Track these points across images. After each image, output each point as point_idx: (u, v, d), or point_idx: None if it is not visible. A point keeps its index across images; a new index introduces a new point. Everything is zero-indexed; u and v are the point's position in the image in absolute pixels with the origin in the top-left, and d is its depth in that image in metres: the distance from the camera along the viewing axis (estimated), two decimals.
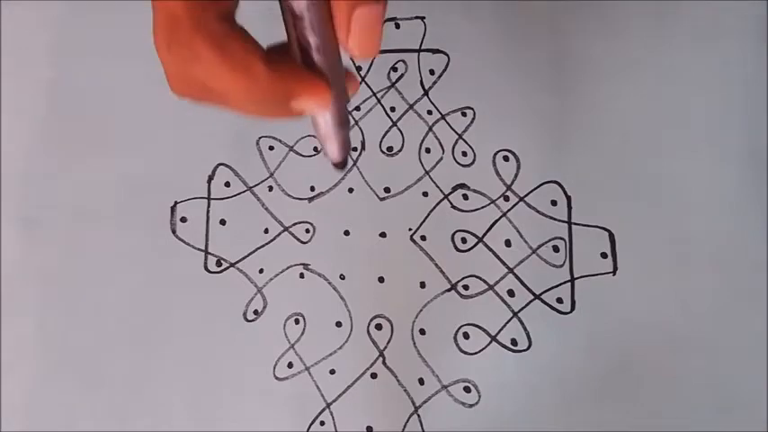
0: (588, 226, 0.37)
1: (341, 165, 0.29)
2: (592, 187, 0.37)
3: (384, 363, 0.37)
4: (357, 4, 0.23)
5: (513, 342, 0.36)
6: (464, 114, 0.38)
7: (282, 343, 0.37)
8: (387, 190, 0.38)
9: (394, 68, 0.39)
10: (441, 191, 0.38)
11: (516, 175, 0.38)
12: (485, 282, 0.37)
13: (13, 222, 0.39)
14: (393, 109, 0.39)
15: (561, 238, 0.37)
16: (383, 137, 0.39)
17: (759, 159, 0.38)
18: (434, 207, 0.38)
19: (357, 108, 0.39)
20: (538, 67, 0.39)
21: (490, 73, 0.39)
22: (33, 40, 0.40)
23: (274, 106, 0.26)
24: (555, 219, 0.37)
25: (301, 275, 0.38)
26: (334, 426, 0.36)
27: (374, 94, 0.39)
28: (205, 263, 0.38)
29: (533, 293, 0.37)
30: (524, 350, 0.36)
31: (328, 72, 0.26)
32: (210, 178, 0.38)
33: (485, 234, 0.38)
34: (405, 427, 0.36)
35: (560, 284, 0.37)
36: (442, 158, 0.38)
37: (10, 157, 0.39)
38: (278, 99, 0.26)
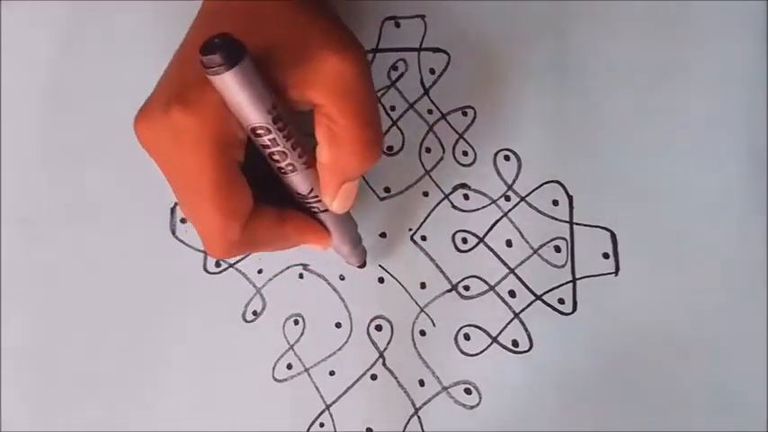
0: (590, 226, 0.37)
1: (362, 266, 0.36)
2: (593, 187, 0.37)
3: (384, 364, 0.36)
4: (346, 179, 0.29)
5: (515, 343, 0.36)
6: (465, 114, 0.38)
7: (282, 344, 0.37)
8: (387, 190, 0.38)
9: (394, 67, 0.39)
10: (441, 191, 0.38)
11: (517, 175, 0.38)
12: (486, 282, 0.37)
13: (13, 222, 0.39)
14: (393, 108, 0.39)
15: (563, 239, 0.37)
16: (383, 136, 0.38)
17: (759, 159, 0.38)
18: (435, 207, 0.38)
19: None
20: (538, 66, 0.38)
21: (491, 72, 0.39)
22: (33, 40, 0.40)
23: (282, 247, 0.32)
24: (556, 219, 0.37)
25: (300, 276, 0.37)
26: (334, 427, 0.36)
27: None
28: (204, 263, 0.38)
29: (535, 294, 0.37)
30: (526, 351, 0.36)
31: (332, 222, 0.32)
32: None
33: (485, 234, 0.37)
34: (405, 428, 0.36)
35: (562, 285, 0.37)
36: (442, 158, 0.38)
37: (10, 157, 0.39)
38: (285, 246, 0.32)
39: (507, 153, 0.38)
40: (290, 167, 0.29)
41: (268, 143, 0.28)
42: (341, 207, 0.31)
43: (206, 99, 0.27)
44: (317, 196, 0.30)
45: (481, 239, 0.37)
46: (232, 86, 0.26)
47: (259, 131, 0.27)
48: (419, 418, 0.36)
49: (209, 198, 0.28)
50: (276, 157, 0.28)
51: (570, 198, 0.37)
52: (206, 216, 0.28)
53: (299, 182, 0.30)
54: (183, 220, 0.38)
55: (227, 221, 0.28)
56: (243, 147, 0.28)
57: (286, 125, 0.27)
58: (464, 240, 0.37)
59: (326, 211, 0.31)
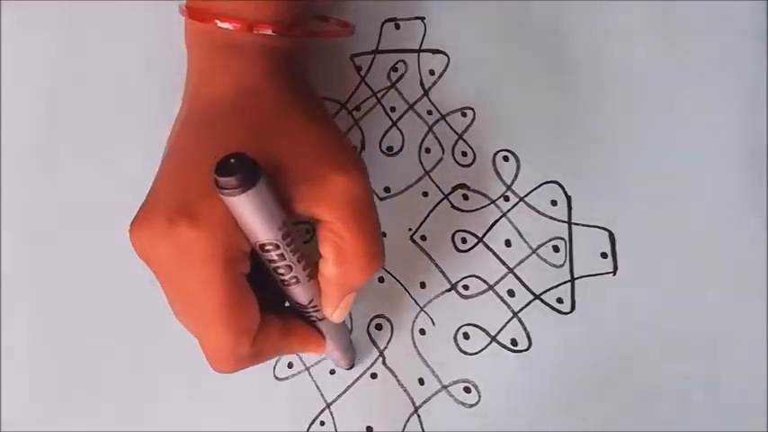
0: (588, 226, 0.37)
1: (350, 368, 0.37)
2: (592, 187, 0.38)
3: (384, 363, 0.37)
4: (349, 291, 0.30)
5: (513, 342, 0.36)
6: (464, 114, 0.38)
7: None
8: (387, 190, 0.38)
9: (394, 69, 0.39)
10: (441, 191, 0.38)
11: (516, 175, 0.38)
12: (485, 282, 0.37)
13: (13, 223, 0.39)
14: (393, 109, 0.39)
15: (561, 238, 0.37)
16: (383, 137, 0.39)
17: (759, 159, 0.38)
18: (434, 207, 0.38)
19: (357, 108, 0.39)
20: (538, 67, 0.39)
21: (490, 73, 0.39)
22: (33, 40, 0.40)
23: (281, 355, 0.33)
24: (555, 219, 0.37)
25: None
26: (334, 426, 0.36)
27: (374, 94, 0.39)
28: None
29: (533, 293, 0.37)
30: (524, 350, 0.36)
31: (327, 330, 0.32)
32: None
33: (485, 234, 0.38)
34: (405, 427, 0.36)
35: (560, 284, 0.37)
36: (442, 158, 0.38)
37: (10, 157, 0.39)
38: (285, 354, 0.33)
39: (506, 154, 0.38)
40: (293, 280, 0.28)
41: (275, 258, 0.27)
42: (341, 317, 0.31)
43: (215, 215, 0.26)
44: (315, 306, 0.30)
45: (480, 239, 0.37)
46: (246, 207, 0.25)
47: (267, 247, 0.27)
48: (419, 416, 0.36)
49: (218, 316, 0.27)
50: (281, 271, 0.28)
51: (569, 198, 0.37)
52: (214, 334, 0.28)
53: (300, 293, 0.29)
54: None
55: (237, 339, 0.28)
56: (248, 258, 0.27)
57: (293, 240, 0.27)
58: (463, 240, 0.38)
59: (323, 319, 0.31)
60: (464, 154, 0.38)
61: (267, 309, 0.29)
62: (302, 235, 0.28)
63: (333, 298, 0.30)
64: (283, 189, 0.27)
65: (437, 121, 0.38)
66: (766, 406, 0.36)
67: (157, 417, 0.37)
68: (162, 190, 0.28)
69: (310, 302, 0.30)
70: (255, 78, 0.30)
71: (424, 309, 0.37)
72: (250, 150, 0.25)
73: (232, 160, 0.24)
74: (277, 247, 0.27)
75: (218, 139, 0.28)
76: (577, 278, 0.37)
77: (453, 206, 0.38)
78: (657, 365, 0.36)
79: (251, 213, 0.25)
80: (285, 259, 0.27)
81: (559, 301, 0.37)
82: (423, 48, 0.39)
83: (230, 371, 0.29)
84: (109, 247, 0.38)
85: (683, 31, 0.39)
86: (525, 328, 0.37)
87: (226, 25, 0.30)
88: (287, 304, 0.31)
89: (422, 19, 0.39)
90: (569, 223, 0.37)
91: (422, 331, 0.37)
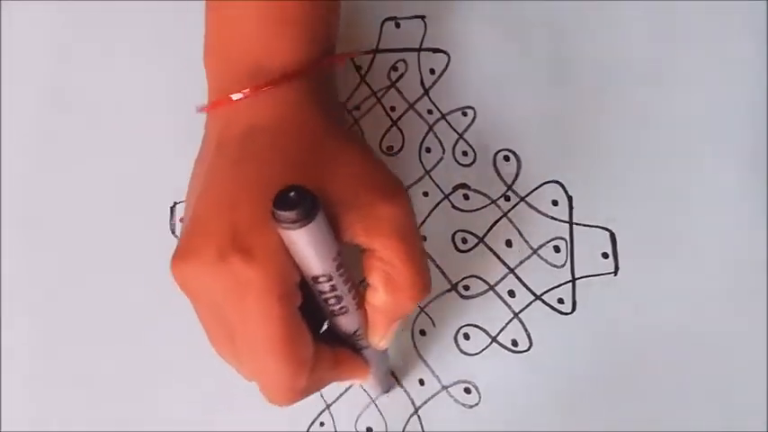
0: (589, 226, 0.37)
1: (387, 392, 0.36)
2: (593, 187, 0.37)
3: None
4: (397, 320, 0.29)
5: (514, 343, 0.36)
6: (464, 114, 0.38)
7: None
8: None
9: (394, 68, 0.39)
10: (441, 191, 0.38)
11: (517, 175, 0.38)
12: (485, 282, 0.37)
13: (14, 223, 0.39)
14: (393, 108, 0.39)
15: (562, 239, 0.37)
16: (383, 136, 0.39)
17: (759, 159, 0.38)
18: (435, 207, 0.38)
19: (357, 107, 0.39)
20: (538, 66, 0.39)
21: (491, 72, 0.39)
22: (33, 40, 0.40)
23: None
24: (556, 219, 0.37)
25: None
26: (334, 426, 0.36)
27: (374, 94, 0.39)
28: None
29: (534, 294, 0.37)
30: (525, 351, 0.36)
31: (371, 356, 0.31)
32: None
33: (485, 234, 0.37)
34: (405, 427, 0.36)
35: (561, 285, 0.37)
36: (442, 158, 0.38)
37: (10, 157, 0.39)
38: (331, 382, 0.31)
39: (507, 153, 0.38)
40: (342, 310, 0.28)
41: (327, 289, 0.27)
42: (386, 344, 0.31)
43: (270, 248, 0.25)
44: (360, 334, 0.30)
45: (481, 239, 0.37)
46: (303, 240, 0.25)
47: (320, 279, 0.26)
48: (419, 417, 0.36)
49: (277, 351, 0.26)
50: (331, 302, 0.27)
51: (570, 198, 0.37)
52: (273, 369, 0.27)
53: (348, 323, 0.29)
54: (182, 220, 0.38)
55: (295, 372, 0.27)
56: (299, 289, 0.27)
57: (346, 270, 0.27)
58: (464, 240, 0.37)
59: (369, 347, 0.31)
60: (465, 153, 0.38)
61: (315, 339, 0.28)
62: (353, 264, 0.28)
63: (380, 326, 0.29)
64: (330, 219, 0.26)
65: (437, 120, 0.38)
66: (766, 406, 0.36)
67: (157, 417, 0.37)
68: (206, 221, 0.27)
69: (356, 331, 0.29)
70: (293, 105, 0.29)
71: (424, 309, 0.37)
72: (295, 181, 0.24)
73: (291, 194, 0.24)
74: (330, 278, 0.26)
75: (262, 170, 0.27)
76: (578, 278, 0.37)
77: (454, 206, 0.38)
78: (658, 366, 0.36)
79: (307, 246, 0.25)
80: (336, 290, 0.27)
81: (560, 301, 0.37)
82: (423, 47, 0.39)
83: (289, 404, 0.29)
84: (109, 247, 0.38)
85: (683, 32, 0.39)
86: (526, 329, 0.36)
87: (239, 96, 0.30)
88: (321, 331, 0.30)
89: (422, 18, 0.39)
90: (570, 223, 0.37)
91: (422, 332, 0.37)
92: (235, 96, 0.29)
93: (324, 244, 0.25)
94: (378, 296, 0.28)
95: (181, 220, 0.38)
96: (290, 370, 0.27)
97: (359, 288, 0.28)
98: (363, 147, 0.31)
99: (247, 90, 0.29)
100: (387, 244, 0.27)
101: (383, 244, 0.27)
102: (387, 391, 0.36)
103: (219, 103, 0.30)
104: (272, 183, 0.24)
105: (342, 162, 0.28)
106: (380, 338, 0.30)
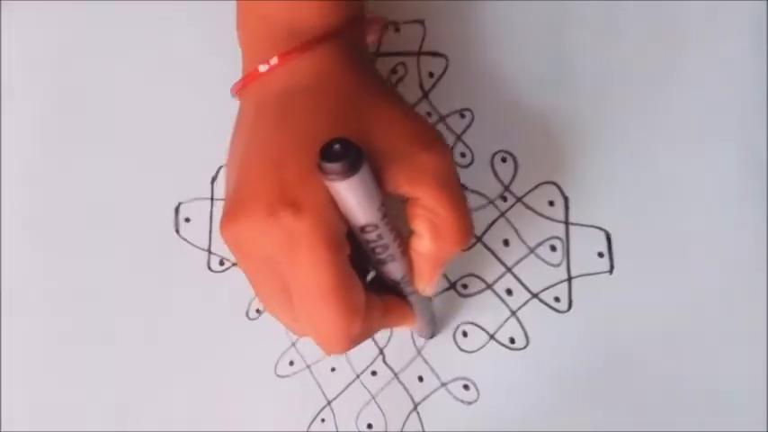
0: (585, 226, 0.37)
1: (431, 337, 0.37)
2: (589, 187, 0.38)
3: (384, 361, 0.37)
4: (442, 265, 0.30)
5: (512, 340, 0.37)
6: (463, 116, 0.39)
7: (284, 341, 0.37)
8: None
9: (393, 71, 0.39)
10: None
11: (514, 176, 0.38)
12: (483, 281, 0.37)
13: (14, 223, 0.39)
14: None
15: (558, 238, 0.37)
16: None
17: (759, 159, 0.37)
18: None
19: None
20: (536, 69, 0.39)
21: (489, 75, 0.39)
22: (33, 40, 0.40)
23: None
24: (552, 219, 0.38)
25: None
26: (335, 423, 0.37)
27: None
28: (207, 262, 0.38)
29: (531, 292, 0.37)
30: (522, 348, 0.37)
31: (417, 302, 0.32)
32: (214, 179, 0.39)
33: (483, 234, 0.38)
34: (404, 424, 0.36)
35: (558, 283, 0.37)
36: None
37: (10, 157, 0.40)
38: (381, 329, 0.32)
39: (504, 155, 0.38)
40: (389, 257, 0.29)
41: (374, 238, 0.28)
42: (433, 290, 0.31)
43: (318, 201, 0.26)
44: (406, 281, 0.31)
45: (479, 239, 0.38)
46: (350, 191, 0.25)
47: (368, 228, 0.27)
48: (418, 413, 0.36)
49: (332, 300, 0.27)
50: (378, 250, 0.28)
51: (566, 199, 0.38)
52: (326, 318, 0.28)
53: (395, 270, 0.30)
54: (186, 220, 0.39)
55: (349, 320, 0.28)
56: (347, 239, 0.28)
57: (390, 219, 0.28)
58: None
59: (414, 293, 0.31)
60: (463, 155, 0.38)
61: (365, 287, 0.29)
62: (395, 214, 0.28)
63: (426, 272, 0.30)
64: (373, 171, 0.26)
65: (436, 122, 0.39)
66: (766, 406, 0.35)
67: (158, 415, 0.37)
68: (253, 180, 0.28)
69: (403, 278, 0.30)
70: (328, 64, 0.30)
71: None
72: (338, 135, 0.25)
73: (336, 146, 0.24)
74: (376, 227, 0.27)
75: (303, 126, 0.28)
76: (574, 277, 0.37)
77: None
78: (655, 364, 0.36)
79: (354, 197, 0.26)
80: (383, 239, 0.28)
81: (557, 299, 0.37)
82: (422, 50, 0.39)
83: (345, 351, 0.30)
84: (109, 247, 0.38)
85: (683, 31, 0.39)
86: (523, 327, 0.37)
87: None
88: (368, 279, 0.31)
89: (422, 22, 0.40)
90: (566, 223, 0.38)
91: None
92: (272, 61, 0.30)
93: (369, 194, 0.26)
94: (423, 243, 0.29)
95: (186, 219, 0.39)
96: (344, 317, 0.28)
97: (403, 236, 0.29)
98: (401, 100, 0.31)
99: (275, 59, 0.30)
100: (430, 192, 0.28)
101: (426, 192, 0.28)
102: (431, 337, 0.37)
103: (254, 75, 0.30)
104: (316, 138, 0.25)
105: (381, 116, 0.29)
106: (426, 284, 0.31)
